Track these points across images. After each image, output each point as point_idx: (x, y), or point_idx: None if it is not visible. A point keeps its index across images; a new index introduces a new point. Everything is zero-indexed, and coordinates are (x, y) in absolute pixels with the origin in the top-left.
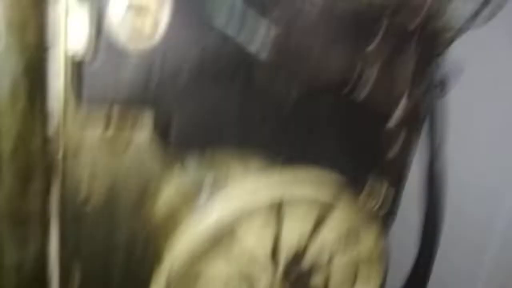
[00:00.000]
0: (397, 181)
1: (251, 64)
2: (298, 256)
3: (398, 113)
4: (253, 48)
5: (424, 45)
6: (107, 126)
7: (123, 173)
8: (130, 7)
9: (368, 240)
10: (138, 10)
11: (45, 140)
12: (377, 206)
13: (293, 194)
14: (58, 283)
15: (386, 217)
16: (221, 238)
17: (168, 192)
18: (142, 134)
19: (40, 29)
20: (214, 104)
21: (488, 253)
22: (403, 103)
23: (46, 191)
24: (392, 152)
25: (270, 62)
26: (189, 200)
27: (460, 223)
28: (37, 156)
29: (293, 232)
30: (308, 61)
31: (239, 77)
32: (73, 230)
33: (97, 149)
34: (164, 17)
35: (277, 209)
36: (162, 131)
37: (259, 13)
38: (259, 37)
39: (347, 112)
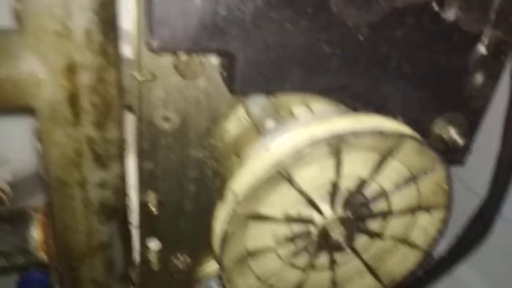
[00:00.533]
0: (473, 121)
1: None
2: (356, 197)
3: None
4: None
5: None
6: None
7: (195, 98)
8: None
9: (430, 184)
10: None
11: (120, 73)
12: (446, 148)
13: (353, 141)
14: (137, 204)
15: (456, 160)
16: (279, 180)
17: (234, 129)
18: (213, 62)
19: None
20: (280, 43)
21: None
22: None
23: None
24: (473, 87)
25: None
26: (252, 139)
27: None
28: (114, 87)
29: (352, 174)
30: None
31: (311, 5)
32: (151, 151)
33: (171, 73)
34: None
35: (336, 154)
36: (227, 73)
37: None
38: None
39: (431, 35)
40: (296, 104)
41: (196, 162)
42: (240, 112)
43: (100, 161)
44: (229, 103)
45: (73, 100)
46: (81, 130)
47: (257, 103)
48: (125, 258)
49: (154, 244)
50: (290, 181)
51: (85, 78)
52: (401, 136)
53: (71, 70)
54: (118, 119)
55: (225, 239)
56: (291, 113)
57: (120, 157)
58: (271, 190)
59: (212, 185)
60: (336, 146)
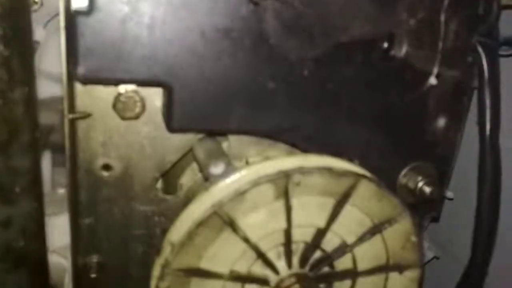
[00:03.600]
0: (443, 170)
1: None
2: (313, 245)
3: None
4: None
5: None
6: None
7: (138, 143)
8: None
9: (397, 236)
10: None
11: (31, 94)
12: (415, 199)
13: (301, 180)
14: (72, 266)
15: (430, 211)
16: (220, 227)
17: (187, 182)
18: (157, 104)
19: None
20: (219, 76)
21: None
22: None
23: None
24: (436, 132)
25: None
26: (199, 185)
27: None
28: (21, 107)
29: (307, 223)
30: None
31: (249, 35)
32: (90, 203)
33: (110, 115)
34: None
35: (285, 197)
36: (166, 108)
37: None
38: None
39: (382, 73)
40: (253, 154)
41: (143, 218)
42: (194, 164)
43: (3, 194)
44: (177, 151)
45: None
46: None
47: (206, 148)
48: None
49: None
50: (233, 227)
51: None
52: (354, 176)
53: None
54: (29, 146)
55: None
56: (247, 163)
57: (31, 192)
58: (213, 239)
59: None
60: (283, 186)
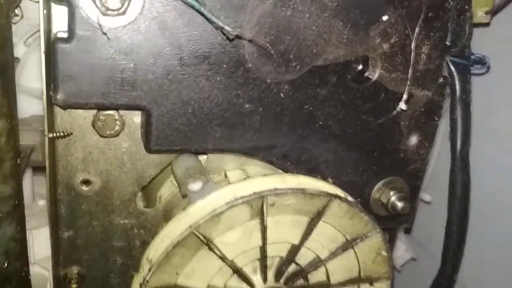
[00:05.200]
0: (414, 185)
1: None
2: (288, 260)
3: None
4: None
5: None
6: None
7: (118, 159)
8: None
9: (368, 251)
10: None
11: (13, 124)
12: (388, 213)
13: (275, 201)
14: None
15: (398, 221)
16: (198, 246)
17: (165, 194)
18: (136, 121)
19: None
20: (197, 99)
21: None
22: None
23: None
24: (409, 149)
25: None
26: (181, 204)
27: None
28: (3, 137)
29: (282, 239)
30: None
31: (226, 60)
32: (70, 217)
33: (89, 132)
34: None
35: (260, 217)
36: (144, 129)
37: None
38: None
39: (355, 94)
40: (231, 167)
41: (122, 231)
42: (172, 177)
43: None
44: (156, 166)
45: None
46: None
47: (184, 164)
48: None
49: None
50: (210, 246)
51: None
52: (327, 196)
53: None
54: (10, 174)
55: None
56: (225, 176)
57: (13, 217)
58: (190, 258)
59: (140, 257)
60: (258, 207)
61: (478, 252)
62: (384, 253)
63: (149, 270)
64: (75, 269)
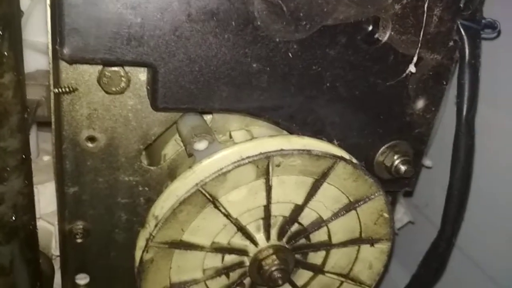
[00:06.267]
0: (418, 149)
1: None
2: (291, 220)
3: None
4: None
5: None
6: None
7: (123, 116)
8: None
9: (370, 213)
10: None
11: (19, 78)
12: (388, 174)
13: (281, 161)
14: (59, 232)
15: (404, 186)
16: (203, 203)
17: (170, 153)
18: (141, 78)
19: None
20: (204, 56)
21: None
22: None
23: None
24: (414, 113)
25: None
26: (186, 162)
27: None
28: (10, 91)
29: (286, 200)
30: None
31: (235, 17)
32: (75, 173)
33: (95, 89)
34: None
35: (265, 176)
36: (150, 87)
37: None
38: None
39: (365, 56)
40: (236, 127)
41: (127, 188)
42: (178, 135)
43: None
44: (161, 124)
45: None
46: None
47: (190, 123)
48: (30, 287)
49: (81, 279)
50: (215, 204)
51: None
52: (332, 158)
53: None
54: (18, 128)
55: (143, 268)
56: (230, 137)
57: (21, 171)
58: (195, 215)
59: (145, 213)
60: (264, 167)
61: (476, 217)
62: (386, 215)
63: (156, 226)
64: (80, 224)
